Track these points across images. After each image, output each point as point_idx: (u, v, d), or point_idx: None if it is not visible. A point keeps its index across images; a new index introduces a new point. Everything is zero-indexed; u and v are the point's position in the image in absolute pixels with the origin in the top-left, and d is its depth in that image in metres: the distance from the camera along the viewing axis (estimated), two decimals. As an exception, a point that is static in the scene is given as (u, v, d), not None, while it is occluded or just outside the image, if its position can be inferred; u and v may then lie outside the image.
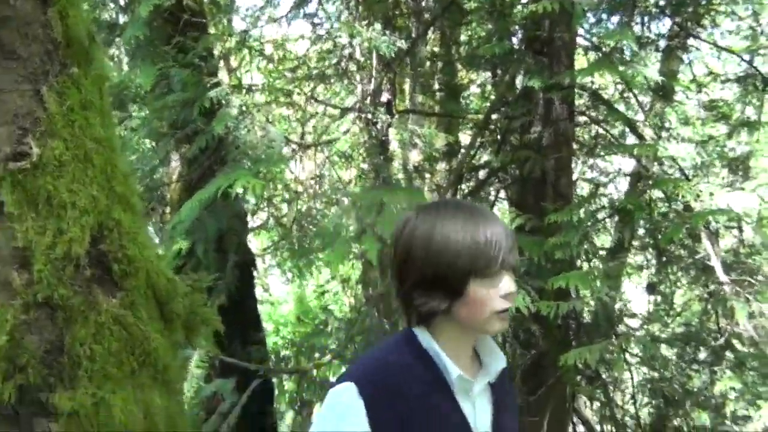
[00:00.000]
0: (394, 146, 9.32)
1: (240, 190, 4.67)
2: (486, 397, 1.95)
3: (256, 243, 11.24)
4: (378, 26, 5.85)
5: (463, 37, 8.90)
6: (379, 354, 1.90)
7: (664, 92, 5.71)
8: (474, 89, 9.54)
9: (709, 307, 5.54)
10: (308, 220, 5.93)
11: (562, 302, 4.91)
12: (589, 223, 5.39)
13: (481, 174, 7.20)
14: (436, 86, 9.17)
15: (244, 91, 5.96)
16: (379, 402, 1.76)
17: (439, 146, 9.09)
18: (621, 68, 5.65)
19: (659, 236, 5.13)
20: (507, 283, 1.84)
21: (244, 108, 5.30)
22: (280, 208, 8.14)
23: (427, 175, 9.29)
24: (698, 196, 4.75)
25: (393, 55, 6.00)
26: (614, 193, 6.71)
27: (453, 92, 8.82)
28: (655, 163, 5.16)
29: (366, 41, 5.52)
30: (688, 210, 4.98)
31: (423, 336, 1.89)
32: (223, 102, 5.44)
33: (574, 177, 6.65)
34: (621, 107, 6.94)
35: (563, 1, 5.00)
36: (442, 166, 9.20)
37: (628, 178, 6.10)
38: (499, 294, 1.83)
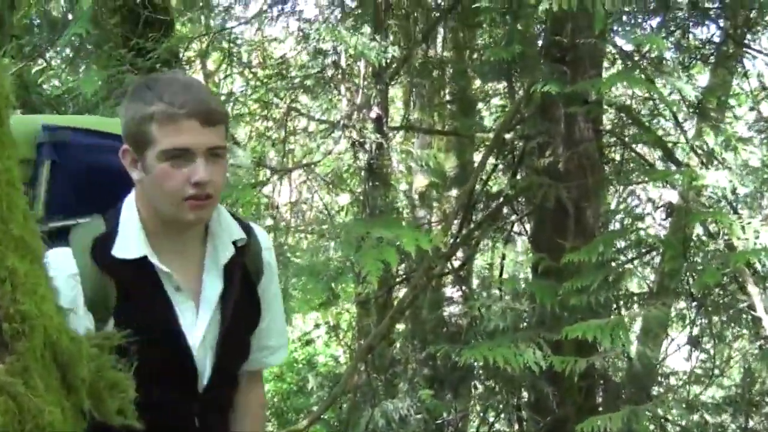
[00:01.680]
0: (399, 168, 9.28)
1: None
2: None
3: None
4: (367, 29, 5.84)
5: (480, 41, 8.82)
6: None
7: (700, 109, 5.66)
8: (491, 102, 9.47)
9: (756, 365, 5.45)
10: (285, 256, 5.87)
11: (580, 358, 4.84)
12: (614, 264, 5.32)
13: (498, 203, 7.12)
14: (447, 98, 9.09)
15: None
16: None
17: (449, 169, 9.02)
18: (658, 81, 5.61)
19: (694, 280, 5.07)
20: None
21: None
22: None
23: (435, 203, 9.22)
24: (743, 231, 4.67)
25: (385, 63, 5.98)
26: (655, 229, 6.62)
27: (466, 106, 8.72)
28: (692, 193, 5.10)
29: (352, 48, 5.50)
30: (731, 249, 4.92)
31: None
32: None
33: (609, 208, 6.57)
34: (667, 125, 6.89)
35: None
36: (453, 192, 9.12)
37: (661, 211, 6.04)
38: None
